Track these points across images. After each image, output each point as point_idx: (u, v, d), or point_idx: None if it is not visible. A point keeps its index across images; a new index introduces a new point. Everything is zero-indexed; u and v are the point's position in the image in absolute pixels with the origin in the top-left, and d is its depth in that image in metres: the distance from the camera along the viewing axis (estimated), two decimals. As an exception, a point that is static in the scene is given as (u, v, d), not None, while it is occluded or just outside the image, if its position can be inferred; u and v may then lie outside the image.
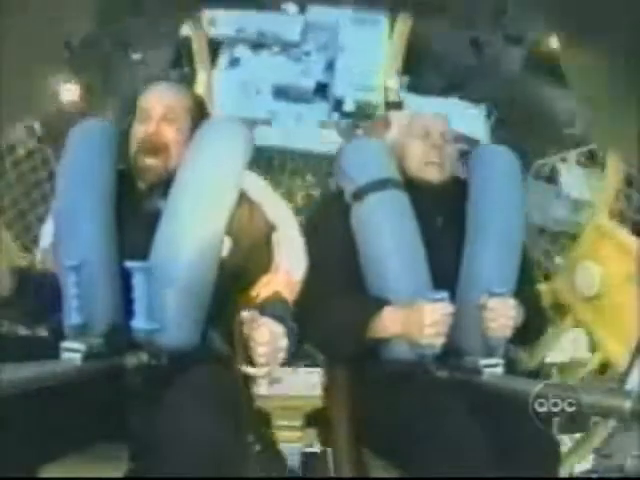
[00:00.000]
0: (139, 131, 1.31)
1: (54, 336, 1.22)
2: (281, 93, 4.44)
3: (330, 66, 4.58)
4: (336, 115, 4.34)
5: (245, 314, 1.09)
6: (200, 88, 2.56)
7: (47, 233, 1.36)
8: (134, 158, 1.31)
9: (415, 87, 3.97)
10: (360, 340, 1.29)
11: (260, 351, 1.07)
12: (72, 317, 1.16)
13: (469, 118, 3.86)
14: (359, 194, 1.37)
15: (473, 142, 1.52)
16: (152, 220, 1.24)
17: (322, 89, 4.50)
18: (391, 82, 3.18)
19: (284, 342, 1.10)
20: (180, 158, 1.29)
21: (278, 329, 1.10)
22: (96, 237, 1.22)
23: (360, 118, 4.11)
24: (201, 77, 2.60)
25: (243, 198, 1.31)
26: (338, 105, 4.35)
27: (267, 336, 1.07)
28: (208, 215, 1.23)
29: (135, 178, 1.33)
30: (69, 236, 1.23)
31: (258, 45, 4.75)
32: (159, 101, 1.32)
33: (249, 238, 1.30)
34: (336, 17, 4.66)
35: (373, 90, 4.14)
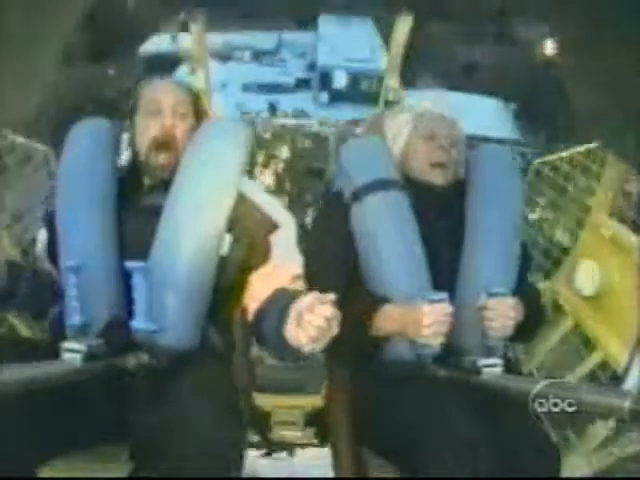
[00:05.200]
0: (152, 126, 1.29)
1: (53, 335, 1.23)
2: (252, 88, 4.10)
3: (311, 67, 4.12)
4: (325, 96, 3.72)
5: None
6: (198, 87, 2.56)
7: (42, 238, 1.35)
8: (145, 154, 1.29)
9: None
10: (361, 336, 1.29)
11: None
12: (72, 317, 1.16)
13: (485, 109, 3.66)
14: (358, 194, 1.36)
15: (471, 142, 1.51)
16: (153, 216, 1.24)
17: (304, 83, 4.02)
18: (391, 81, 3.16)
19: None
20: (182, 154, 1.28)
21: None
22: (95, 238, 1.23)
23: (357, 98, 3.56)
24: (199, 75, 2.60)
25: (243, 198, 1.30)
26: (325, 83, 3.61)
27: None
28: (207, 215, 1.23)
29: (141, 174, 1.31)
30: (69, 237, 1.24)
31: (226, 57, 4.51)
32: (169, 94, 1.31)
33: (250, 235, 1.28)
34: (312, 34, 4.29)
35: (370, 61, 3.53)
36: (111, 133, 1.34)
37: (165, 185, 1.27)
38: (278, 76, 4.17)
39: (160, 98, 1.30)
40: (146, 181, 1.31)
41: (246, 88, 4.14)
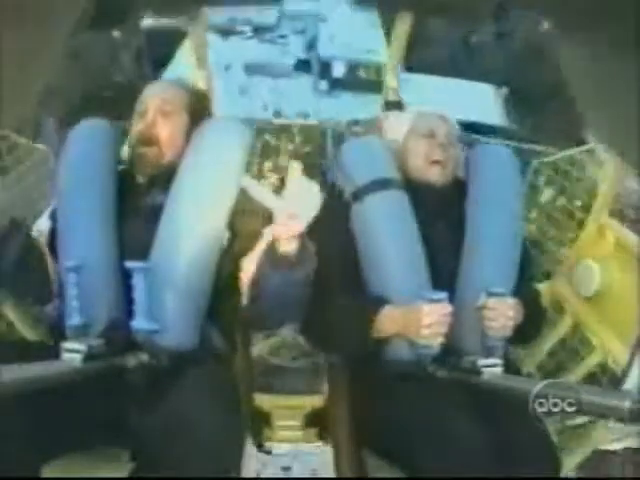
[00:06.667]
0: (137, 124, 1.35)
1: (53, 336, 1.23)
2: (254, 70, 4.10)
3: (311, 46, 4.08)
4: (325, 84, 3.75)
5: None
6: (199, 85, 2.56)
7: (43, 227, 1.35)
8: (131, 150, 1.35)
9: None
10: (361, 339, 1.29)
11: None
12: (72, 317, 1.16)
13: (478, 95, 3.54)
14: (359, 194, 1.37)
15: (470, 141, 1.52)
16: (153, 215, 1.24)
17: (304, 66, 3.99)
18: (391, 81, 3.17)
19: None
20: (176, 153, 1.31)
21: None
22: (96, 237, 1.23)
23: (355, 86, 3.56)
24: (200, 75, 2.60)
25: (244, 193, 1.29)
26: (325, 71, 3.73)
27: None
28: (208, 215, 1.23)
29: (134, 172, 1.34)
30: (69, 236, 1.24)
31: (227, 31, 4.52)
32: (156, 95, 1.37)
33: (250, 229, 1.25)
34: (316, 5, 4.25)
35: (370, 51, 3.50)
36: (111, 134, 1.35)
37: (163, 184, 1.28)
38: (278, 55, 4.13)
39: (147, 99, 1.36)
40: (139, 179, 1.34)
41: (248, 69, 4.13)
